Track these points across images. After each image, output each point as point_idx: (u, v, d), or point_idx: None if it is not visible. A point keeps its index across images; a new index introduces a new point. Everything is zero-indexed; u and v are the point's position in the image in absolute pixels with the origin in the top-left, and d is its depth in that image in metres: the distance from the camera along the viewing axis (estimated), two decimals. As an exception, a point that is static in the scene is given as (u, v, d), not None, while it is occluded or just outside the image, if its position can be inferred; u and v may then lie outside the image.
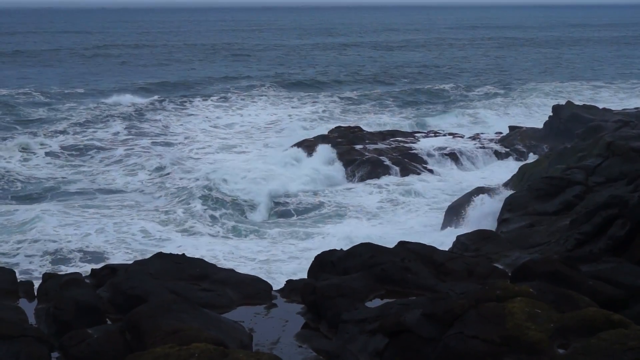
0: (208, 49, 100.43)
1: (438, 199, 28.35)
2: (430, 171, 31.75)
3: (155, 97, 52.52)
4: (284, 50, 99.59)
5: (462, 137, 37.30)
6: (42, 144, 37.81)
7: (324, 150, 32.92)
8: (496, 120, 45.28)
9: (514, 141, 34.78)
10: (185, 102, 51.45)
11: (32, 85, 57.18)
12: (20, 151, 36.38)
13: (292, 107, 51.33)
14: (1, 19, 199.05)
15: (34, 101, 50.39)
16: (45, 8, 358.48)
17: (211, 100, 52.97)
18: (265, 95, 55.84)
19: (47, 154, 36.39)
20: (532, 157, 31.63)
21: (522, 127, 37.52)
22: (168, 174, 32.96)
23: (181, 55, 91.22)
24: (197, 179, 31.42)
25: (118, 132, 41.44)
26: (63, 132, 40.68)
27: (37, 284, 11.85)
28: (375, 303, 10.32)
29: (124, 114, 45.54)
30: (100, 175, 32.83)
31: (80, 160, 35.48)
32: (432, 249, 12.34)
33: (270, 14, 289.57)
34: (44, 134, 39.92)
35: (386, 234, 23.37)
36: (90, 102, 50.73)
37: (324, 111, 50.15)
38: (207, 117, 46.75)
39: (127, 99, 50.99)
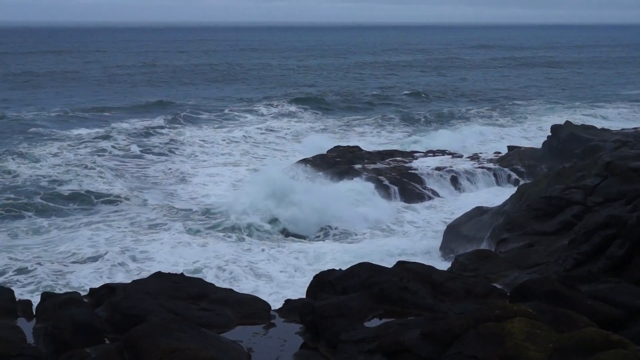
0: (210, 69, 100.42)
1: (436, 219, 28.38)
2: (430, 191, 31.79)
3: (160, 115, 52.90)
4: (286, 70, 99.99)
5: (460, 156, 37.35)
6: (45, 158, 38.14)
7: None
8: (495, 139, 45.43)
9: (513, 161, 34.81)
10: (189, 120, 51.81)
11: (37, 106, 57.46)
12: (22, 164, 36.69)
13: (292, 126, 51.53)
14: (6, 39, 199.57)
15: (39, 121, 50.69)
16: (49, 28, 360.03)
17: (213, 118, 53.37)
18: (267, 115, 56.04)
19: (48, 168, 36.61)
20: (530, 177, 31.68)
21: (520, 147, 37.58)
22: (168, 188, 33.23)
23: (184, 74, 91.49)
24: (192, 197, 31.81)
25: (121, 149, 41.84)
26: (64, 149, 40.86)
27: (35, 303, 11.85)
28: (374, 323, 10.31)
29: (128, 132, 45.93)
30: (99, 189, 32.99)
31: (81, 174, 35.56)
32: (431, 268, 12.33)
33: (274, 34, 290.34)
34: (47, 150, 40.21)
35: (383, 255, 23.45)
36: (95, 121, 51.02)
37: (323, 129, 50.42)
38: (208, 136, 47.00)
39: (132, 117, 51.49)
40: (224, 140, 45.63)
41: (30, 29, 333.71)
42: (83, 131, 46.76)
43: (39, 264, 22.49)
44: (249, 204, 28.77)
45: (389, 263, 13.79)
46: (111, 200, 31.05)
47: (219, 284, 16.53)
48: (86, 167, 36.44)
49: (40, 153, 39.04)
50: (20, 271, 21.98)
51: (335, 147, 38.27)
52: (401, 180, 32.13)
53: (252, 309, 11.50)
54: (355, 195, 30.06)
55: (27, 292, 19.82)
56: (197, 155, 41.23)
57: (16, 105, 58.65)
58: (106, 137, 44.33)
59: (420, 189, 31.77)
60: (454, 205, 30.26)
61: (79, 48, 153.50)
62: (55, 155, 39.06)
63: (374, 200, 30.01)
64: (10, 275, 21.67)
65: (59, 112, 54.20)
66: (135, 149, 41.74)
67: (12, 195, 30.93)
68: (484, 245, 20.40)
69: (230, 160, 40.55)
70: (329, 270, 12.59)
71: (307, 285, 12.63)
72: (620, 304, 9.72)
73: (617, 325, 9.11)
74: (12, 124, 48.23)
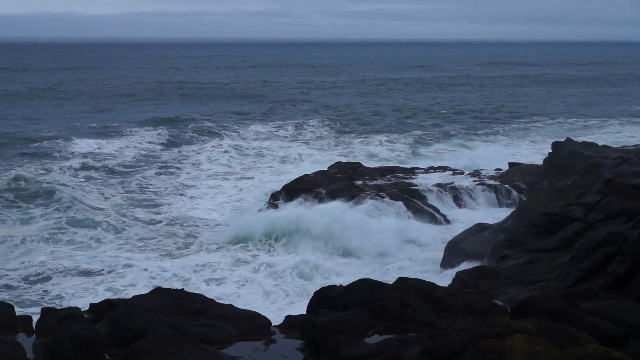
0: (217, 85, 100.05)
1: (437, 235, 28.35)
2: (431, 207, 31.76)
3: (165, 131, 53.14)
4: (290, 86, 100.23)
5: (461, 173, 37.35)
6: (48, 170, 38.79)
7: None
8: (495, 156, 45.38)
9: (514, 178, 34.80)
10: (194, 135, 52.00)
11: (43, 123, 57.60)
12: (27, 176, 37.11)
13: (294, 141, 51.72)
14: (9, 55, 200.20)
15: (45, 134, 51.05)
16: (55, 43, 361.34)
17: (218, 132, 53.53)
18: (270, 130, 56.17)
19: (48, 180, 36.97)
20: (531, 194, 31.63)
21: (521, 164, 37.58)
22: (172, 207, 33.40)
23: (192, 90, 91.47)
24: (188, 211, 32.12)
25: (125, 162, 42.22)
26: (66, 162, 41.14)
27: (35, 318, 11.86)
28: (375, 339, 10.29)
29: (132, 146, 46.29)
30: (94, 203, 33.21)
31: (80, 187, 35.77)
32: (432, 285, 12.32)
33: (277, 50, 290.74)
34: (51, 162, 40.65)
35: (383, 271, 23.46)
36: (99, 135, 51.29)
37: (326, 144, 50.57)
38: (213, 151, 47.23)
39: (138, 132, 51.90)
40: (227, 154, 45.90)
41: (34, 44, 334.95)
42: (87, 144, 47.16)
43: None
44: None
45: (389, 279, 13.80)
46: (106, 213, 31.31)
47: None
48: (86, 179, 36.72)
49: (43, 165, 39.38)
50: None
51: (336, 163, 38.31)
52: (402, 196, 32.11)
53: (252, 325, 11.48)
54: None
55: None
56: (200, 170, 41.46)
57: (20, 120, 58.91)
58: (111, 151, 44.75)
59: (421, 205, 31.75)
60: (455, 221, 30.24)
61: (85, 64, 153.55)
62: (57, 168, 39.41)
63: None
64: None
65: (64, 126, 54.62)
66: (138, 162, 42.14)
67: (10, 197, 31.35)
68: (484, 262, 20.39)
69: (231, 173, 40.67)
70: (329, 286, 12.58)
71: (299, 301, 12.64)
72: (621, 321, 9.70)
73: (618, 343, 9.09)
74: (17, 139, 48.42)
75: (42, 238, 27.39)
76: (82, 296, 21.29)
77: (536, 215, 20.70)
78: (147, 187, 37.00)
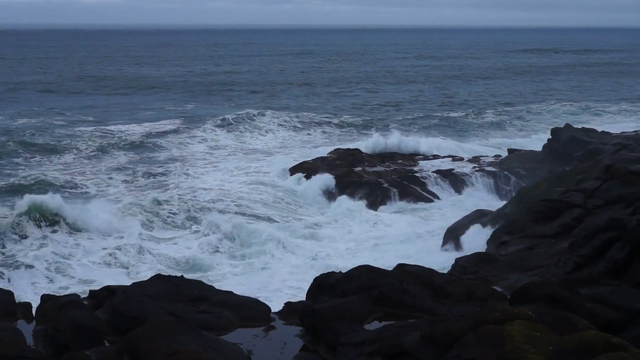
0: (219, 81, 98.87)
1: (436, 222, 28.35)
2: (430, 194, 31.78)
3: (173, 123, 53.07)
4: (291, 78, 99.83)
5: (461, 159, 37.31)
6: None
7: None
8: (495, 142, 45.33)
9: (513, 164, 34.77)
10: (201, 127, 51.75)
11: (41, 116, 57.40)
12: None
13: (296, 132, 51.49)
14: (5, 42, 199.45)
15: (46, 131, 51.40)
16: (52, 30, 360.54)
17: (224, 124, 53.19)
18: (271, 123, 55.83)
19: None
20: (530, 180, 31.61)
21: (521, 150, 37.53)
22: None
23: (189, 85, 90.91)
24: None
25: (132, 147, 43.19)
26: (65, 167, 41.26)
27: (35, 305, 11.87)
28: (374, 325, 10.31)
29: (134, 142, 46.39)
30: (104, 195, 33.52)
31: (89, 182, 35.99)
32: (431, 271, 12.34)
33: (281, 37, 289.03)
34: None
35: (384, 257, 23.47)
36: (104, 130, 51.21)
37: (325, 133, 50.42)
38: (219, 141, 47.20)
39: (138, 127, 52.10)
40: (226, 150, 45.90)
41: (31, 31, 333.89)
42: (87, 145, 47.51)
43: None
44: None
45: (389, 265, 13.81)
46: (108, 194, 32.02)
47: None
48: (94, 175, 36.91)
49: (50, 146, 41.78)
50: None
51: (335, 149, 38.26)
52: (401, 183, 32.10)
53: (252, 312, 11.51)
54: None
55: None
56: (205, 160, 41.35)
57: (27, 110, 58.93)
58: (118, 147, 45.10)
59: (421, 191, 31.75)
60: (455, 207, 30.22)
61: (83, 52, 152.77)
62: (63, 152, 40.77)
63: None
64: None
65: (58, 124, 54.83)
66: (147, 152, 42.66)
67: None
68: (483, 248, 20.40)
69: (238, 165, 40.59)
70: (328, 273, 12.60)
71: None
72: (620, 307, 9.72)
73: (617, 328, 9.11)
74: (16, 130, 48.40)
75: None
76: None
77: (535, 201, 20.71)
78: (158, 172, 37.37)
